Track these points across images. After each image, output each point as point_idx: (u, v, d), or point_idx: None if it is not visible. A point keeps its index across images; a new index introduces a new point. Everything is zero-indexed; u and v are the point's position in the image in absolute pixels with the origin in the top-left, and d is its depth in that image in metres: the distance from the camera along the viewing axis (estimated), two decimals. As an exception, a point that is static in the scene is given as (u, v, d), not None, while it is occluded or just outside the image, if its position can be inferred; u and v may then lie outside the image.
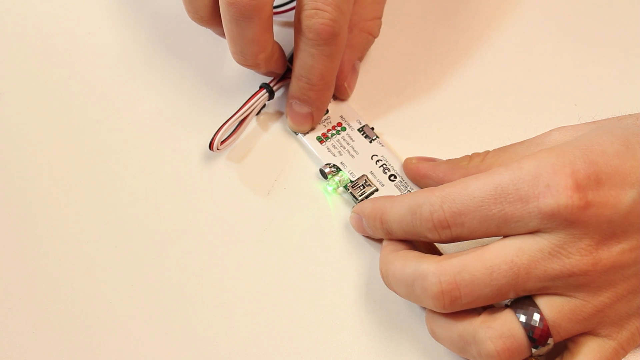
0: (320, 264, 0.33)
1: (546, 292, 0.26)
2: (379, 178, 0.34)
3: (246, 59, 0.33)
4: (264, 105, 0.37)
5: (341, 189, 0.34)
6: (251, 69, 0.35)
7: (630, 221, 0.25)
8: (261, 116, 0.37)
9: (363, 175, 0.34)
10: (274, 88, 0.36)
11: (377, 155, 0.35)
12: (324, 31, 0.31)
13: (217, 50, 0.39)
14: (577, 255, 0.25)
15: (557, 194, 0.25)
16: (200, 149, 0.36)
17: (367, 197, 0.33)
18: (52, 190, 0.35)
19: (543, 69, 0.38)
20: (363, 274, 0.33)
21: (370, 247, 0.33)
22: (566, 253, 0.25)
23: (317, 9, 0.31)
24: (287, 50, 0.37)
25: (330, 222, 0.34)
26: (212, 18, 0.33)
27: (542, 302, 0.26)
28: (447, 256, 0.27)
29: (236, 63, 0.34)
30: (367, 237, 0.33)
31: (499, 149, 0.31)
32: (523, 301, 0.27)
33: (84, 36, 0.40)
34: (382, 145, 0.35)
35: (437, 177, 0.32)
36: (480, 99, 0.37)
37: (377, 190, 0.34)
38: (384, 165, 0.34)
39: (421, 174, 0.33)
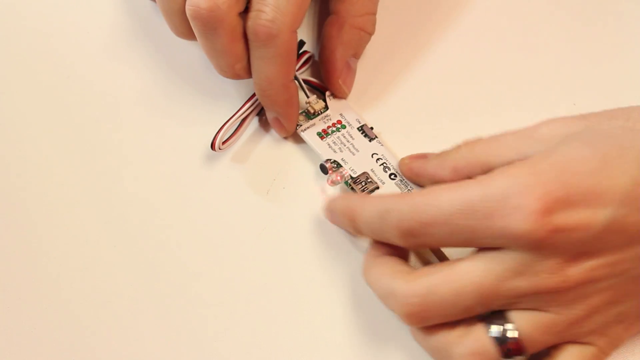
0: (319, 263, 0.33)
1: (518, 307, 0.26)
2: (379, 176, 0.34)
3: (224, 71, 0.34)
4: (265, 105, 0.37)
5: (342, 184, 0.34)
6: (236, 79, 0.35)
7: (603, 240, 0.25)
8: (262, 116, 0.37)
9: (364, 172, 0.34)
10: (274, 87, 0.36)
11: (377, 154, 0.35)
12: (261, 32, 0.30)
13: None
14: (544, 274, 0.25)
15: (525, 217, 0.24)
16: (200, 148, 0.36)
17: (368, 193, 0.33)
18: (52, 190, 0.35)
19: (543, 68, 0.38)
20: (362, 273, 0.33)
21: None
22: (533, 271, 0.25)
23: (258, 10, 0.31)
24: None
25: (330, 221, 0.34)
26: (192, 33, 0.33)
27: (515, 315, 0.26)
28: (418, 274, 0.27)
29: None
30: None
31: (489, 138, 0.30)
32: (496, 314, 0.27)
33: (84, 36, 0.40)
34: (382, 145, 0.35)
35: (429, 175, 0.32)
36: (479, 97, 0.37)
37: (378, 187, 0.34)
38: (384, 164, 0.34)
39: (414, 173, 0.33)
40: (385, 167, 0.34)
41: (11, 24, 0.41)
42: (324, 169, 0.34)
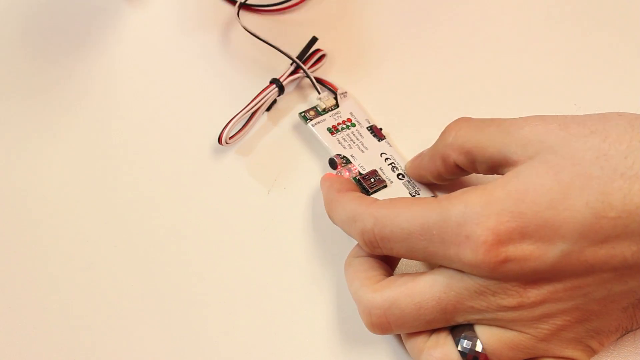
0: (319, 263, 0.33)
1: (481, 323, 0.26)
2: (387, 175, 0.34)
3: None
4: (275, 101, 0.37)
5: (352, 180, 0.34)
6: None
7: (560, 270, 0.24)
8: (271, 112, 0.37)
9: (373, 170, 0.34)
10: (284, 83, 0.36)
11: (385, 154, 0.35)
12: None
13: (227, 47, 0.39)
14: (503, 294, 0.25)
15: (476, 248, 0.24)
16: (200, 147, 0.36)
17: (377, 190, 0.33)
18: (53, 189, 0.35)
19: (544, 68, 0.38)
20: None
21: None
22: (492, 292, 0.25)
23: None
24: (292, 50, 0.37)
25: (330, 221, 0.34)
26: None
27: (482, 330, 0.26)
28: (383, 285, 0.27)
29: (246, 59, 0.34)
30: None
31: (476, 124, 0.29)
32: (463, 328, 0.27)
33: (84, 35, 0.40)
34: (391, 146, 0.35)
35: (426, 171, 0.32)
36: (482, 99, 0.38)
37: (386, 186, 0.33)
38: (392, 164, 0.34)
39: (416, 174, 0.33)
40: (393, 167, 0.34)
41: (11, 24, 0.41)
42: (333, 164, 0.34)
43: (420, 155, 0.33)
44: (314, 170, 0.35)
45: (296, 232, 0.33)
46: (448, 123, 0.32)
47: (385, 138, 0.35)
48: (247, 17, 0.41)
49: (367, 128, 0.36)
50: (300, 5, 0.41)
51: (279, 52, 0.37)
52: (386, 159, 0.35)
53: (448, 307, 0.26)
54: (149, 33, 0.40)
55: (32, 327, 0.31)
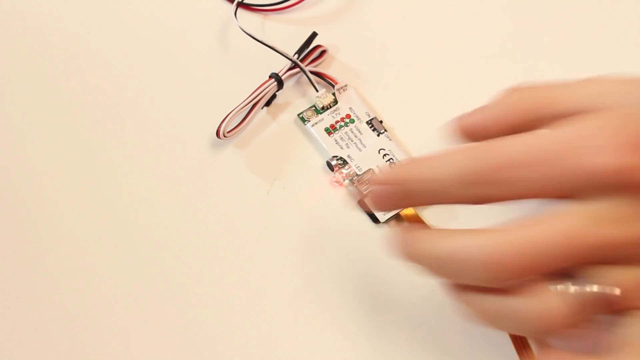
0: (320, 264, 0.33)
1: (613, 262, 0.23)
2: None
3: None
4: (274, 96, 0.37)
5: (347, 181, 0.34)
6: None
7: None
8: (271, 107, 0.37)
9: (370, 170, 0.34)
10: (283, 78, 0.36)
11: (384, 149, 0.35)
12: None
13: (227, 44, 0.39)
14: (636, 221, 0.23)
15: (603, 153, 0.22)
16: (200, 145, 0.36)
17: (372, 191, 0.33)
18: (53, 188, 0.35)
19: (544, 67, 0.38)
20: (363, 275, 0.32)
21: (370, 248, 0.33)
22: (625, 219, 0.23)
23: None
24: (289, 49, 0.37)
25: (330, 222, 0.34)
26: None
27: (610, 273, 0.23)
28: (505, 227, 0.24)
29: (245, 54, 0.34)
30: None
31: (535, 86, 0.27)
32: (583, 276, 0.24)
33: (84, 35, 0.40)
34: (390, 140, 0.35)
35: (475, 126, 0.28)
36: (484, 96, 0.37)
37: (382, 184, 0.34)
38: (391, 160, 0.34)
39: (465, 131, 0.28)
40: (391, 164, 0.34)
41: (11, 24, 0.41)
42: (330, 166, 0.34)
43: (465, 116, 0.28)
44: (314, 168, 0.35)
45: (296, 232, 0.33)
46: (455, 119, 0.28)
47: (385, 131, 0.35)
48: (247, 16, 0.41)
49: (366, 122, 0.36)
50: (299, 4, 0.41)
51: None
52: (384, 155, 0.35)
53: (582, 239, 0.22)
54: (148, 29, 0.40)
55: (32, 327, 0.31)
